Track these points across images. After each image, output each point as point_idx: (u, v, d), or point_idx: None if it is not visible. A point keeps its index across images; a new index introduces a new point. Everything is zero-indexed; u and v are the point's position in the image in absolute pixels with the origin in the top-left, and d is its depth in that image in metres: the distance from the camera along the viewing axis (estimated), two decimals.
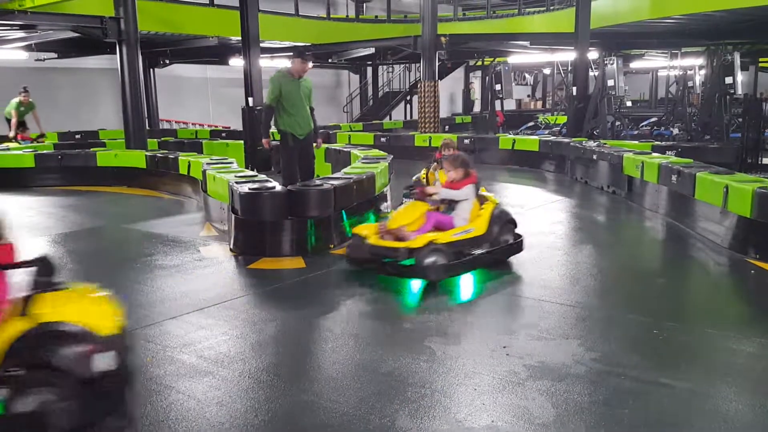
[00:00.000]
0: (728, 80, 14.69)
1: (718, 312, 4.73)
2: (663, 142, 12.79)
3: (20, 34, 13.76)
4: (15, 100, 14.01)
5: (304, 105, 7.39)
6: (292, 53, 7.25)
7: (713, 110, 14.71)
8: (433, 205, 5.66)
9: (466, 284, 5.25)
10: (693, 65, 20.67)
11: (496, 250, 5.64)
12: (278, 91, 7.21)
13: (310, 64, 7.40)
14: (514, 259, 6.02)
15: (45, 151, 12.27)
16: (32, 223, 8.25)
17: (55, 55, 18.12)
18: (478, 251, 5.54)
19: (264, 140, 7.54)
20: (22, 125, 14.29)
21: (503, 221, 5.75)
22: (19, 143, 13.66)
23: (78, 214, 8.94)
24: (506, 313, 4.51)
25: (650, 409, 3.12)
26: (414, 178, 7.53)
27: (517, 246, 5.84)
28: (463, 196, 5.64)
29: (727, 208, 6.14)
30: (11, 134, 14.13)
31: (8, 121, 14.21)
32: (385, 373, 3.55)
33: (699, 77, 20.10)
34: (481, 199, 5.80)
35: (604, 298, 5.03)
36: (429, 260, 5.11)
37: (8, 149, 12.15)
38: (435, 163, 7.17)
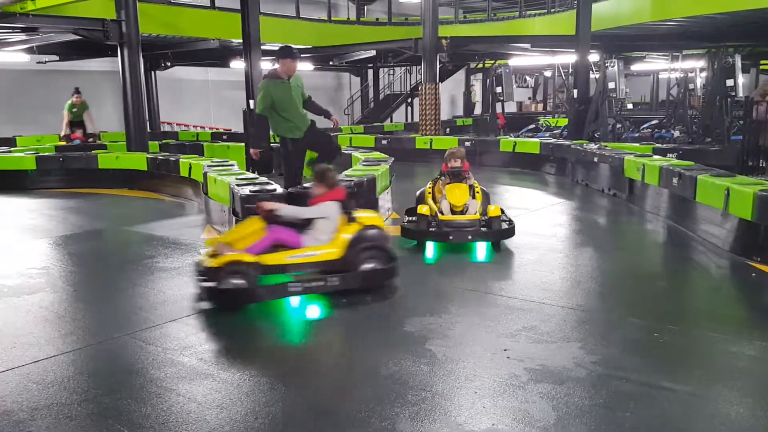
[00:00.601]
0: (729, 83, 14.68)
1: (719, 315, 4.72)
2: (664, 145, 12.78)
3: (22, 36, 13.80)
4: (68, 102, 14.39)
5: (298, 106, 6.88)
6: (276, 54, 6.70)
7: (714, 113, 14.69)
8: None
9: (467, 286, 5.25)
10: (694, 68, 20.67)
11: (348, 277, 4.89)
12: (269, 99, 6.67)
13: (297, 63, 6.84)
14: (516, 262, 6.01)
15: (46, 154, 12.29)
16: (33, 225, 8.26)
17: (57, 58, 18.15)
18: (333, 278, 4.84)
19: (252, 151, 7.07)
20: (78, 125, 14.60)
21: (365, 246, 5.02)
22: (72, 143, 14.07)
23: (79, 216, 8.94)
24: (507, 315, 4.51)
25: (651, 413, 3.12)
26: (418, 192, 7.15)
27: (377, 274, 5.05)
28: (315, 213, 5.06)
29: (728, 210, 6.14)
30: (62, 134, 14.47)
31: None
32: (385, 376, 3.55)
33: (700, 80, 20.09)
34: (350, 218, 5.13)
35: (605, 301, 5.02)
36: (226, 284, 4.59)
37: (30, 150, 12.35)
38: (441, 177, 6.91)
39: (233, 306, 4.66)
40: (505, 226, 6.48)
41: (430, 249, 6.29)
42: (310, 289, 4.77)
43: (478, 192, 6.77)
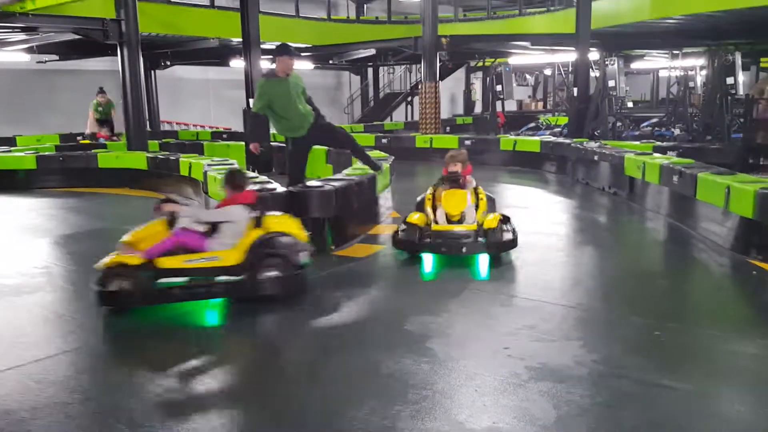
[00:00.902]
0: (729, 80, 14.68)
1: (720, 313, 4.73)
2: (664, 143, 12.76)
3: (22, 36, 13.79)
4: (94, 101, 14.63)
5: (297, 105, 6.59)
6: (273, 53, 6.55)
7: (714, 111, 14.67)
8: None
9: (467, 286, 5.25)
10: (694, 66, 20.64)
11: (239, 283, 4.71)
12: (266, 99, 6.52)
13: (294, 60, 6.68)
14: (516, 260, 6.01)
15: (47, 153, 12.29)
16: (34, 224, 8.25)
17: (57, 57, 18.14)
18: (219, 284, 4.70)
19: (252, 145, 6.87)
20: (106, 124, 14.84)
21: (267, 252, 4.76)
22: (98, 141, 14.19)
23: (79, 215, 8.94)
24: (507, 314, 4.51)
25: (652, 411, 3.12)
26: (419, 198, 6.56)
27: (275, 283, 4.78)
28: (219, 217, 4.85)
29: (728, 208, 6.13)
30: (87, 132, 14.69)
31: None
32: (386, 374, 3.55)
33: (700, 78, 20.06)
34: (257, 223, 4.85)
35: (606, 299, 5.02)
36: (111, 285, 4.53)
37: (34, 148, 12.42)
38: (442, 182, 6.37)
39: (119, 308, 4.59)
40: (508, 236, 5.91)
41: (427, 262, 5.82)
42: (199, 294, 4.66)
43: (482, 199, 6.31)
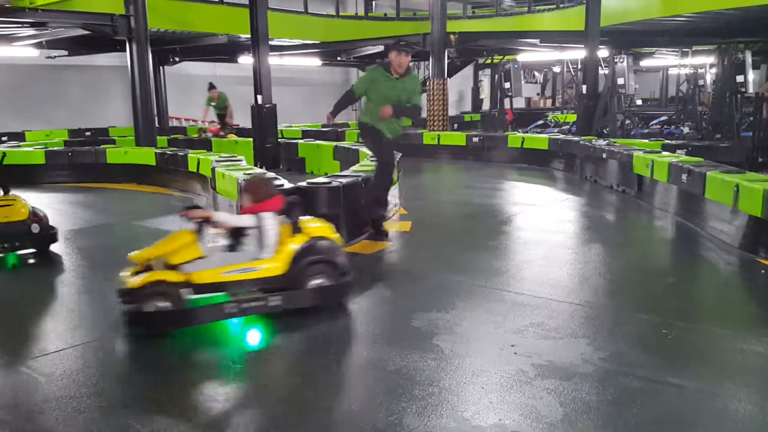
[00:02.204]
0: (739, 79, 14.63)
1: (728, 312, 4.71)
2: (673, 141, 12.73)
3: (31, 31, 13.84)
4: (207, 96, 14.87)
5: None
6: (388, 46, 6.15)
7: (724, 109, 14.64)
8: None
9: (474, 283, 5.24)
10: (704, 63, 20.58)
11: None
12: (363, 88, 6.49)
13: (408, 57, 6.36)
14: (522, 257, 6.00)
15: (55, 148, 12.34)
16: None
17: (66, 53, 18.20)
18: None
19: (328, 114, 6.78)
20: (222, 118, 15.02)
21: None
22: (209, 137, 14.34)
23: (88, 210, 8.98)
24: (514, 311, 4.50)
25: (659, 409, 3.11)
26: None
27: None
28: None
29: (737, 207, 6.11)
30: (199, 124, 15.04)
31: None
32: (392, 370, 3.55)
33: (710, 76, 20.01)
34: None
35: (613, 297, 5.01)
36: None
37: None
38: None
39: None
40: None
41: None
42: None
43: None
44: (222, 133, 14.58)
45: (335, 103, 6.76)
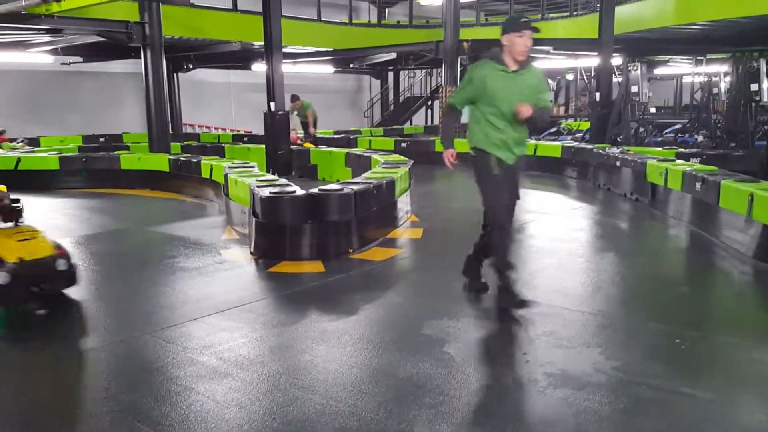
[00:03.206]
0: (754, 87, 14.52)
1: (742, 321, 4.66)
2: (687, 150, 12.65)
3: (47, 38, 14.00)
4: (290, 106, 14.37)
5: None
6: (502, 25, 4.53)
7: (738, 117, 14.53)
8: None
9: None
10: (718, 72, 20.45)
11: None
12: (468, 95, 4.65)
13: (531, 39, 4.49)
14: (535, 266, 5.98)
15: (69, 154, 12.44)
16: (56, 224, 8.34)
17: (81, 59, 18.39)
18: None
19: (447, 151, 4.70)
20: (304, 127, 14.89)
21: None
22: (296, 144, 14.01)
23: (101, 216, 9.04)
24: (526, 320, 4.48)
25: (671, 419, 3.08)
26: None
27: None
28: None
29: (752, 216, 6.06)
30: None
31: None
32: (403, 378, 3.55)
33: (724, 84, 19.86)
34: None
35: (626, 306, 4.98)
36: None
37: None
38: None
39: None
40: None
41: None
42: None
43: None
44: (299, 142, 14.21)
45: (441, 130, 5.08)
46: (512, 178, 4.70)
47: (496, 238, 4.68)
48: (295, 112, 14.59)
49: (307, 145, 14.10)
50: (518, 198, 4.81)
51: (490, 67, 4.56)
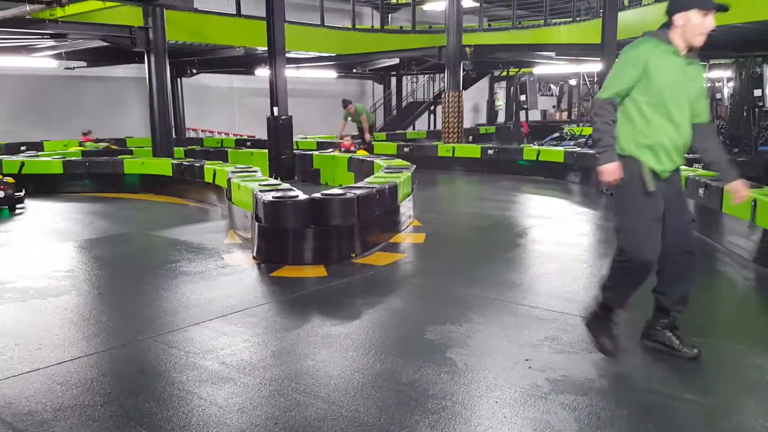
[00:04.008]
0: (757, 93, 14.51)
1: (745, 327, 4.65)
2: (690, 155, 12.62)
3: (51, 42, 14.05)
4: (344, 112, 14.24)
5: (687, 113, 3.54)
6: (667, 8, 3.57)
7: (741, 123, 14.52)
8: None
9: (488, 296, 5.22)
10: (721, 77, 20.46)
11: None
12: (633, 79, 3.49)
13: (713, 20, 3.54)
14: (537, 271, 5.97)
15: (73, 158, 12.47)
16: (60, 228, 8.37)
17: (85, 64, 18.44)
18: None
19: (611, 167, 3.51)
20: (362, 132, 14.46)
21: None
22: (341, 151, 13.55)
23: (105, 220, 9.05)
24: (529, 325, 4.48)
25: (674, 425, 3.07)
26: None
27: None
28: None
29: (755, 222, 6.05)
30: (337, 139, 14.40)
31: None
32: (405, 383, 3.54)
33: (727, 89, 19.88)
34: None
35: (629, 311, 4.95)
36: None
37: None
38: None
39: None
40: None
41: None
42: None
43: None
44: (353, 149, 13.60)
45: (599, 136, 3.55)
46: (675, 195, 3.67)
47: (626, 275, 3.67)
48: (349, 118, 14.20)
49: (362, 152, 13.25)
50: (693, 220, 3.85)
51: (653, 45, 3.53)
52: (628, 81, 3.50)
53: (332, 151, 13.52)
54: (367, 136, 14.33)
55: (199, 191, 10.43)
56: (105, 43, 13.29)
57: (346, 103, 14.12)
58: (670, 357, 3.90)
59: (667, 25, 3.57)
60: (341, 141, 14.00)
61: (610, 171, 3.49)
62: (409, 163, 9.67)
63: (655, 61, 3.47)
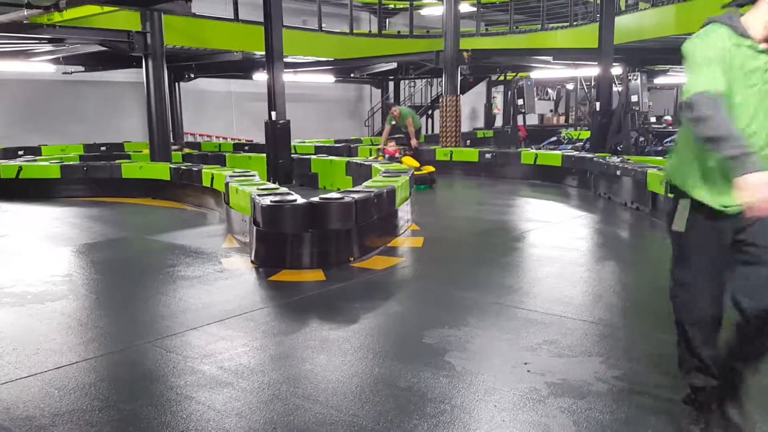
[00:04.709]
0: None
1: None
2: None
3: (48, 47, 14.05)
4: (389, 116, 13.46)
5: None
6: None
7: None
8: None
9: (486, 299, 5.22)
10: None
11: None
12: (717, 63, 2.55)
13: None
14: (535, 274, 5.97)
15: (71, 163, 12.46)
16: (57, 233, 8.35)
17: (83, 68, 18.45)
18: None
19: (761, 177, 2.29)
20: (407, 137, 13.42)
21: None
22: (383, 157, 12.70)
23: (102, 224, 9.04)
24: (527, 329, 4.47)
25: (673, 429, 3.07)
26: None
27: None
28: None
29: None
30: (380, 145, 13.48)
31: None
32: (404, 387, 3.54)
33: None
34: None
35: (628, 315, 4.97)
36: None
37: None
38: None
39: None
40: None
41: None
42: None
43: None
44: (398, 156, 12.61)
45: (721, 136, 2.38)
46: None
47: (694, 339, 3.10)
48: (393, 122, 13.31)
49: (407, 160, 12.16)
50: None
51: (729, 34, 2.64)
52: (720, 69, 2.56)
53: (373, 159, 12.37)
54: (414, 142, 13.24)
55: (196, 195, 10.42)
56: (103, 48, 13.29)
57: (389, 107, 13.55)
58: (668, 361, 3.90)
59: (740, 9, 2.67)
60: (385, 147, 13.06)
61: (762, 184, 2.30)
62: (407, 167, 9.67)
63: (732, 50, 2.62)
